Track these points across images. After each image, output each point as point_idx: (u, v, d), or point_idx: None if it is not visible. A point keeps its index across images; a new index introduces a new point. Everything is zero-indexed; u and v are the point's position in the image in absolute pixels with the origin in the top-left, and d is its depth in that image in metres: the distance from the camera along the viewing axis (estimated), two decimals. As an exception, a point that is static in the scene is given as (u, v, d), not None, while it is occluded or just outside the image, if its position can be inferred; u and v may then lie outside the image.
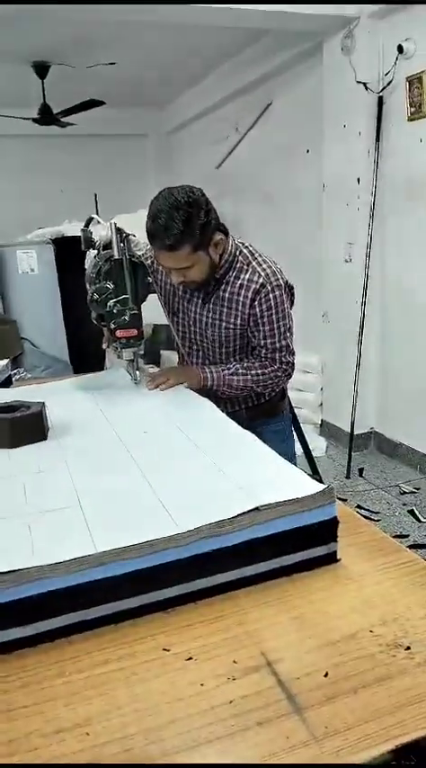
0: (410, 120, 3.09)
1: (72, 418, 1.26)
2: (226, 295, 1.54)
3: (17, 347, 3.87)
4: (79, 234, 1.47)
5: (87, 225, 1.57)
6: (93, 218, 1.58)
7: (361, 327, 3.43)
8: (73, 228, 4.05)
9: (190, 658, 0.67)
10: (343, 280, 3.62)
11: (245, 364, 1.57)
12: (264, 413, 1.67)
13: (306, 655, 0.66)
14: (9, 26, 3.66)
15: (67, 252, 3.94)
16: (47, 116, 4.86)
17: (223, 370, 1.55)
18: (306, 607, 0.74)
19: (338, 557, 0.82)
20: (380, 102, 3.23)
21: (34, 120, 4.90)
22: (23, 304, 3.94)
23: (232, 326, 1.57)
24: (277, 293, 1.51)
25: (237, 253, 1.54)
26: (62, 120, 4.91)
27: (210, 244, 1.43)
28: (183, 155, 6.38)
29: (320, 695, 0.61)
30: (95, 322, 1.51)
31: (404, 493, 3.15)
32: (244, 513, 0.75)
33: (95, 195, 5.92)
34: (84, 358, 3.97)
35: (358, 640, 0.68)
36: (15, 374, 2.48)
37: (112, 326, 1.43)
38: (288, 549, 0.78)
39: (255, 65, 4.39)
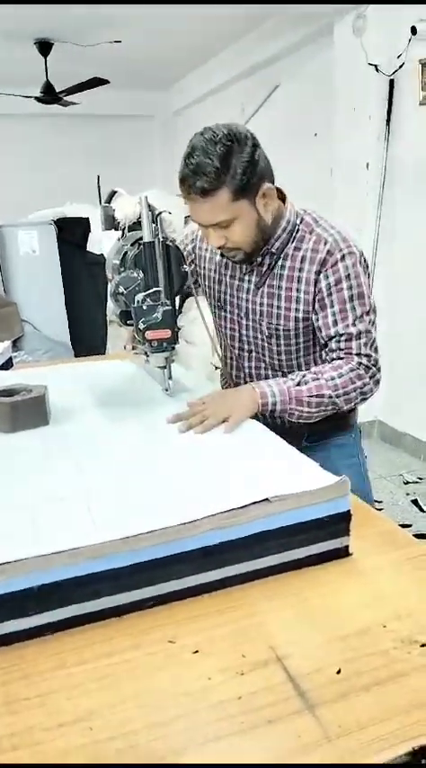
0: (422, 104, 3.02)
1: (75, 403, 1.24)
2: (285, 273, 1.21)
3: (18, 329, 3.84)
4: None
5: (109, 200, 1.31)
6: (116, 191, 1.30)
7: (366, 315, 3.39)
8: (75, 210, 3.99)
9: (197, 651, 0.65)
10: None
11: (313, 369, 1.19)
12: (329, 426, 1.26)
13: (316, 650, 0.64)
14: (11, 2, 3.58)
15: (69, 233, 3.89)
16: (49, 95, 4.78)
17: (285, 383, 1.14)
18: (315, 600, 0.72)
19: (350, 551, 0.79)
20: (391, 85, 3.16)
21: (36, 99, 4.82)
22: (24, 286, 3.89)
23: (293, 315, 1.21)
24: (348, 262, 1.16)
25: (298, 221, 1.22)
26: (65, 99, 4.83)
27: (258, 193, 1.12)
28: (188, 136, 6.26)
29: (332, 692, 0.59)
30: (118, 320, 1.22)
31: (408, 482, 3.14)
32: (254, 503, 0.73)
33: (98, 177, 5.85)
34: (86, 341, 3.94)
35: (370, 636, 0.66)
36: (16, 357, 2.46)
37: (141, 326, 1.14)
38: (298, 542, 0.76)
39: (263, 45, 4.30)
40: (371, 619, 0.68)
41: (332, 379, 1.14)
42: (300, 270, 1.19)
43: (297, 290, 1.20)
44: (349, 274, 1.16)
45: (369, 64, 3.19)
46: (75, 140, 6.24)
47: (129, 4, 3.42)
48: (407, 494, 3.02)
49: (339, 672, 0.61)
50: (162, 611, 0.71)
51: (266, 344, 1.28)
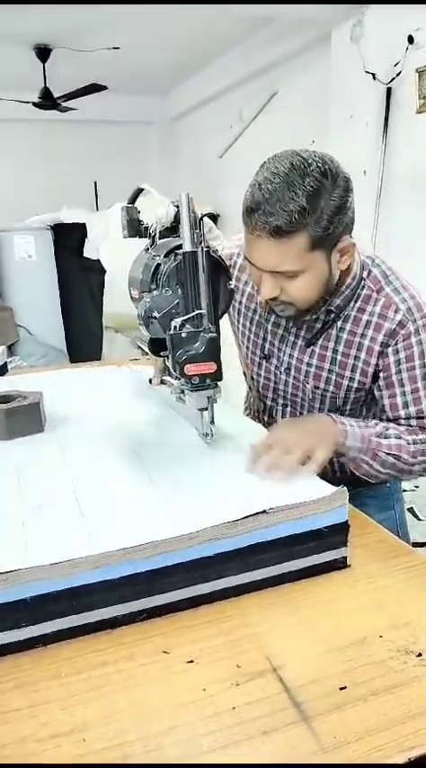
0: (419, 112, 3.05)
1: (70, 410, 1.23)
2: (344, 336, 1.04)
3: (13, 335, 3.83)
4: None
5: (133, 200, 1.07)
6: (143, 189, 1.07)
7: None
8: (71, 215, 4.00)
9: (192, 661, 0.64)
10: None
11: (390, 425, 1.03)
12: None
13: (312, 660, 0.64)
14: (10, 7, 3.59)
15: (66, 239, 3.90)
16: (47, 100, 4.80)
17: (367, 428, 0.99)
18: (311, 610, 0.72)
19: (348, 562, 0.79)
20: (388, 93, 3.18)
21: (34, 104, 4.84)
22: (20, 291, 3.89)
23: (346, 383, 1.06)
24: (423, 336, 1.00)
25: (364, 274, 1.04)
26: (63, 104, 4.85)
27: (336, 246, 0.93)
28: (186, 143, 6.32)
29: (328, 703, 0.58)
30: (147, 350, 1.00)
31: (404, 491, 3.13)
32: (251, 515, 0.72)
33: (95, 183, 5.87)
34: (81, 347, 3.94)
35: (367, 645, 0.65)
36: (11, 362, 2.45)
37: (180, 358, 0.91)
38: (296, 553, 0.75)
39: (261, 52, 4.33)
40: (368, 629, 0.68)
41: (409, 444, 1.00)
42: (363, 336, 1.03)
43: (356, 358, 1.05)
44: (423, 351, 1.01)
45: (367, 72, 3.21)
46: (72, 146, 6.26)
47: (128, 5, 3.41)
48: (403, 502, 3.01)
49: (343, 688, 0.60)
50: (156, 621, 0.70)
51: (307, 405, 1.14)
